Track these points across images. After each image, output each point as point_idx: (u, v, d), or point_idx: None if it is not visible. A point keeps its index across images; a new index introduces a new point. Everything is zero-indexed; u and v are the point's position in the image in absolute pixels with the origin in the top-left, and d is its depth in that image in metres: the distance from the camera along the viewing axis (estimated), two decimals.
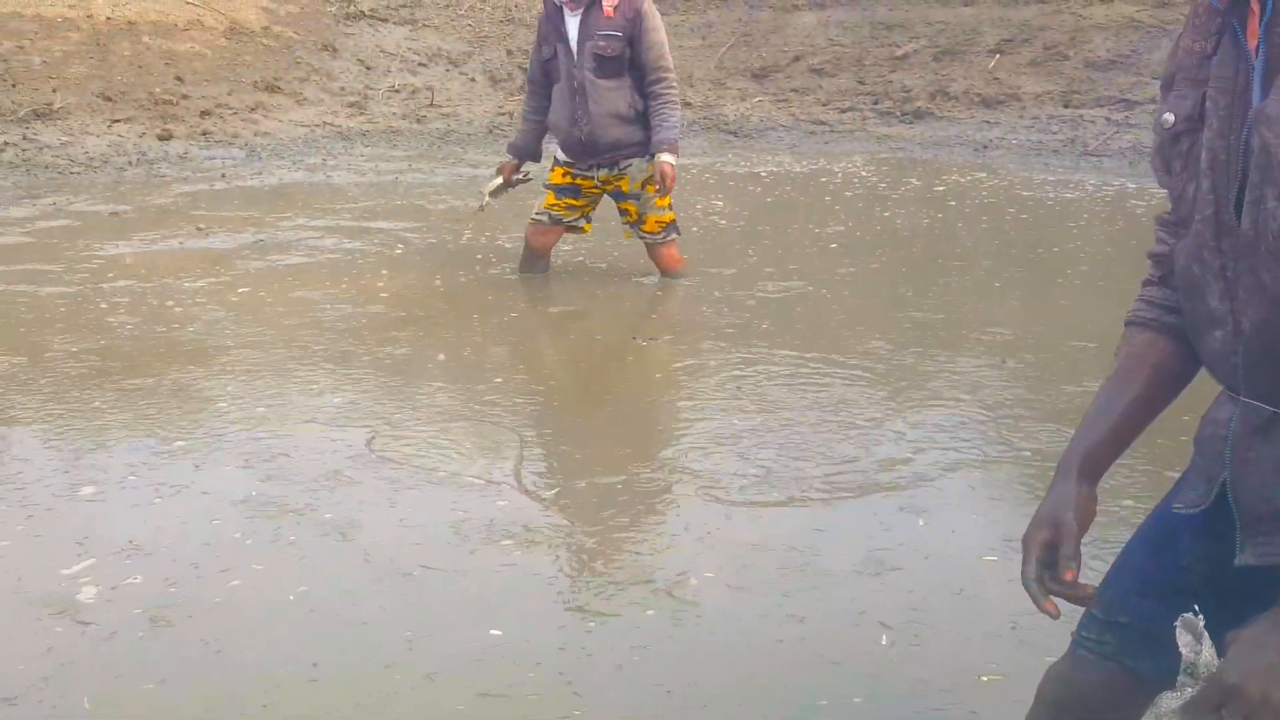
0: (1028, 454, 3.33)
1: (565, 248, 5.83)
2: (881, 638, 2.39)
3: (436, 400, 3.88)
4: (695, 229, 6.48)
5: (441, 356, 4.34)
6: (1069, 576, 1.35)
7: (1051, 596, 1.37)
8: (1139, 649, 1.47)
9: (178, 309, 4.92)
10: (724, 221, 6.96)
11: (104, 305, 4.97)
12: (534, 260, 5.47)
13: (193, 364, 4.18)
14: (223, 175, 8.54)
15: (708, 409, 3.77)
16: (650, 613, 2.50)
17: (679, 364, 4.31)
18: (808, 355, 4.28)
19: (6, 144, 8.97)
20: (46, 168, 8.59)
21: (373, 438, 3.51)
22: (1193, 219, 1.30)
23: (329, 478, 3.20)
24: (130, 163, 8.92)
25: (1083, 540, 1.38)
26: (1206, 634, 1.26)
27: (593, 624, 2.46)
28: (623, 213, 5.30)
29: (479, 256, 5.96)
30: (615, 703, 2.18)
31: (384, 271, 5.65)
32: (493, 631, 2.41)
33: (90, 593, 2.56)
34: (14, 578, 2.63)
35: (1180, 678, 1.28)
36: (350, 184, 8.28)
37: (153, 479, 3.18)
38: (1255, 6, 1.22)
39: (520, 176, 5.46)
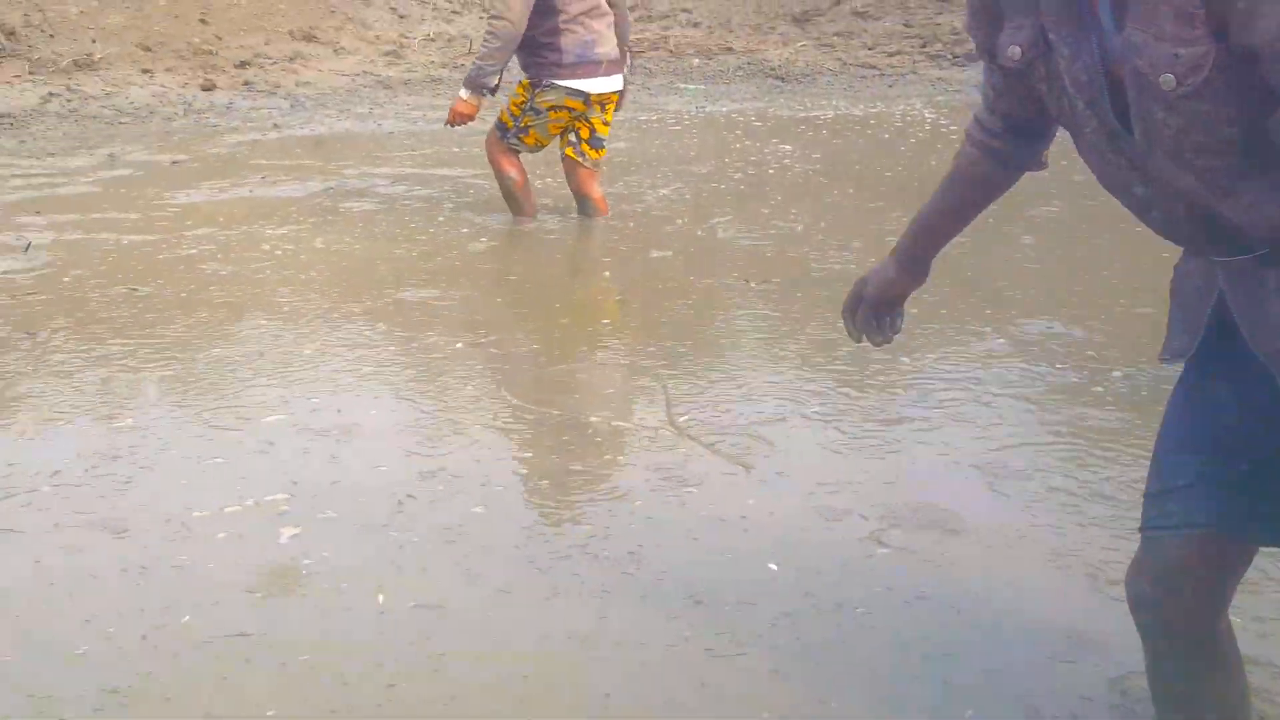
0: None
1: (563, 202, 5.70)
2: None
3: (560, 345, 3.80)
4: (770, 172, 6.36)
5: (557, 305, 4.26)
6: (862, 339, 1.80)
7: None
8: (1199, 505, 1.45)
9: (266, 254, 4.83)
10: (797, 165, 6.84)
11: (193, 252, 4.88)
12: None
13: (283, 305, 4.10)
14: (274, 125, 8.40)
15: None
16: None
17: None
18: None
19: (51, 95, 8.84)
20: (94, 118, 8.45)
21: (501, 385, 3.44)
22: (1082, 131, 1.38)
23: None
24: (177, 113, 8.77)
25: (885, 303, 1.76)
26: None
27: None
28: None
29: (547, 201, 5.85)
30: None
31: (475, 218, 5.54)
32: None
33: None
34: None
35: None
36: (403, 132, 8.14)
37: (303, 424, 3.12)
38: None
39: None
